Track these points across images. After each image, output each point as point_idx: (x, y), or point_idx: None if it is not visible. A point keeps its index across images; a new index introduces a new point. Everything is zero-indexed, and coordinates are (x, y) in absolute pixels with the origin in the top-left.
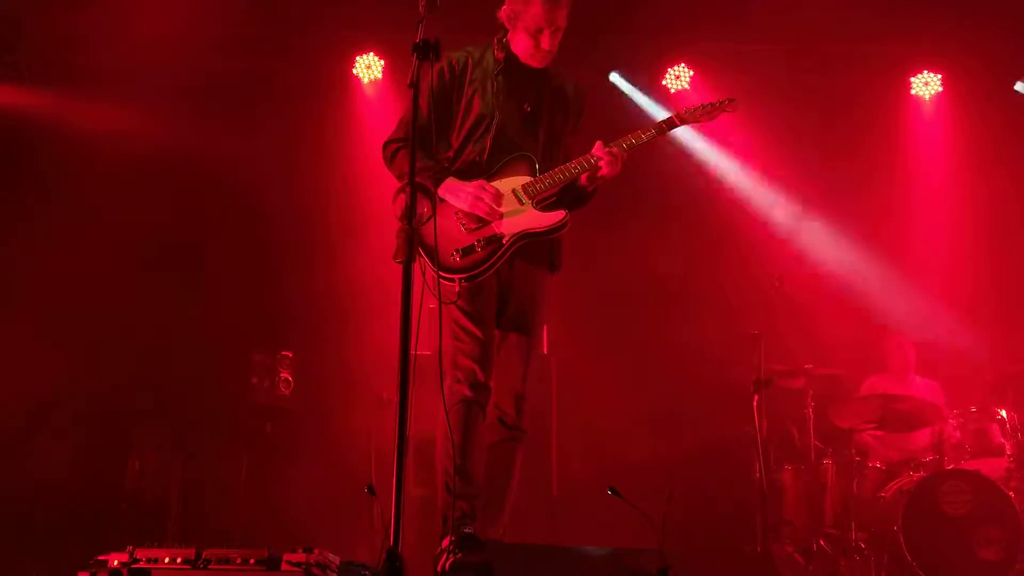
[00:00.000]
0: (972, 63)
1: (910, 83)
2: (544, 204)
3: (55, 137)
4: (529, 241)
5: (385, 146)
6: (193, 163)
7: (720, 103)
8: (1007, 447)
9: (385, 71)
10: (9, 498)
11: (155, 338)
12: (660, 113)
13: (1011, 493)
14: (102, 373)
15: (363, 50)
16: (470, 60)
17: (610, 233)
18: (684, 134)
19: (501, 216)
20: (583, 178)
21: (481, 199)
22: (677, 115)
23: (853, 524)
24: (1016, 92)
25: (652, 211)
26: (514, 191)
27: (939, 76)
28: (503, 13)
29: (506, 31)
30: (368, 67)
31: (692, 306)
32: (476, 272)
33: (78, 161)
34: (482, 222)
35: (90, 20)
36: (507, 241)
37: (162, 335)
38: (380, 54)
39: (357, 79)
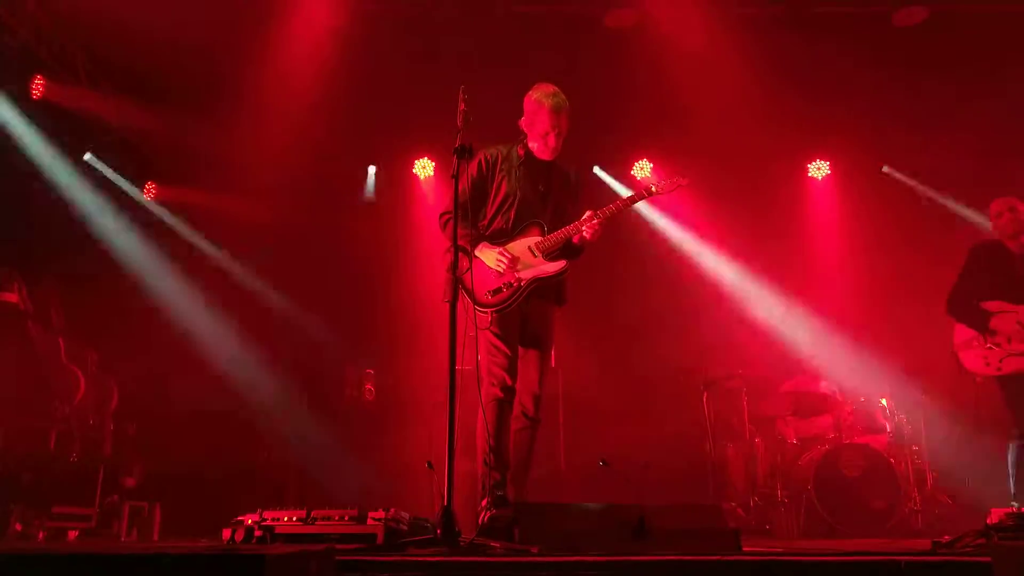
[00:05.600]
0: (850, 152)
1: (807, 168)
2: (550, 256)
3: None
4: (541, 283)
5: (440, 215)
6: (303, 235)
7: (674, 180)
8: (887, 426)
9: (436, 170)
10: (180, 472)
11: (277, 359)
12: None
13: (891, 460)
14: (238, 383)
15: (419, 155)
16: (500, 155)
17: (603, 281)
18: (652, 213)
19: (518, 268)
20: (576, 239)
21: (501, 261)
22: (645, 189)
23: (778, 485)
24: (883, 172)
25: (633, 265)
26: (529, 248)
27: (827, 162)
28: (522, 122)
29: (525, 135)
30: (423, 167)
31: (660, 331)
32: (503, 306)
33: (223, 235)
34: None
35: (212, 138)
36: (524, 284)
37: (283, 358)
38: (432, 158)
39: (416, 176)
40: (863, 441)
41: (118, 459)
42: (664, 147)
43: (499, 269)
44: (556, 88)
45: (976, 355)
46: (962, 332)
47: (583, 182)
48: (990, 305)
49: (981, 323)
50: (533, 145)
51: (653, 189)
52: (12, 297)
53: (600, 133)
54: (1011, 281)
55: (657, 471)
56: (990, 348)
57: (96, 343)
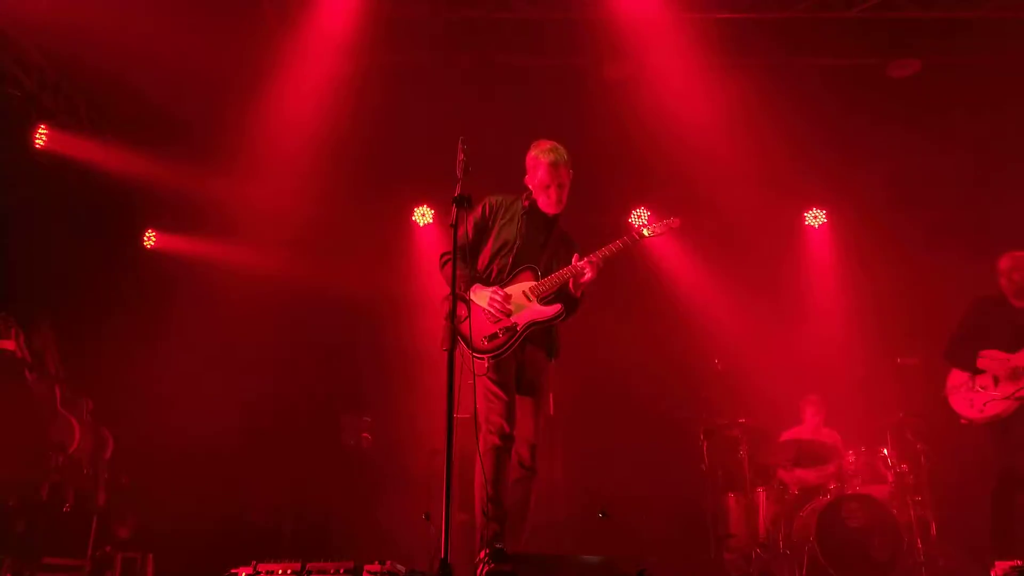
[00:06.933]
0: (846, 201)
1: (804, 217)
2: (545, 300)
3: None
4: (536, 329)
5: (441, 256)
6: (302, 282)
7: (667, 222)
8: (889, 476)
9: (435, 217)
10: (174, 523)
11: (273, 409)
12: None
13: (894, 510)
14: (234, 432)
15: (419, 203)
16: (503, 204)
17: (603, 330)
18: (650, 262)
19: (511, 312)
20: (571, 286)
21: (495, 300)
22: (637, 232)
23: (780, 536)
24: (875, 217)
25: (633, 314)
26: (524, 292)
27: (824, 211)
28: (527, 179)
29: (531, 190)
30: (423, 215)
31: (657, 380)
32: (500, 352)
33: (221, 284)
34: (501, 316)
35: (213, 186)
36: (520, 328)
37: (278, 409)
38: (431, 206)
39: (415, 223)
40: (865, 491)
41: (111, 509)
42: (661, 195)
43: (492, 309)
44: (554, 143)
45: (963, 398)
46: (954, 377)
47: (572, 239)
48: (986, 353)
49: (972, 365)
50: (538, 199)
51: (646, 232)
52: (9, 345)
53: (598, 181)
54: (1010, 334)
55: (657, 521)
56: (976, 391)
57: (92, 391)
